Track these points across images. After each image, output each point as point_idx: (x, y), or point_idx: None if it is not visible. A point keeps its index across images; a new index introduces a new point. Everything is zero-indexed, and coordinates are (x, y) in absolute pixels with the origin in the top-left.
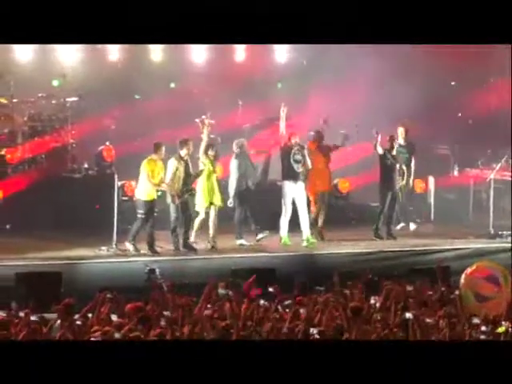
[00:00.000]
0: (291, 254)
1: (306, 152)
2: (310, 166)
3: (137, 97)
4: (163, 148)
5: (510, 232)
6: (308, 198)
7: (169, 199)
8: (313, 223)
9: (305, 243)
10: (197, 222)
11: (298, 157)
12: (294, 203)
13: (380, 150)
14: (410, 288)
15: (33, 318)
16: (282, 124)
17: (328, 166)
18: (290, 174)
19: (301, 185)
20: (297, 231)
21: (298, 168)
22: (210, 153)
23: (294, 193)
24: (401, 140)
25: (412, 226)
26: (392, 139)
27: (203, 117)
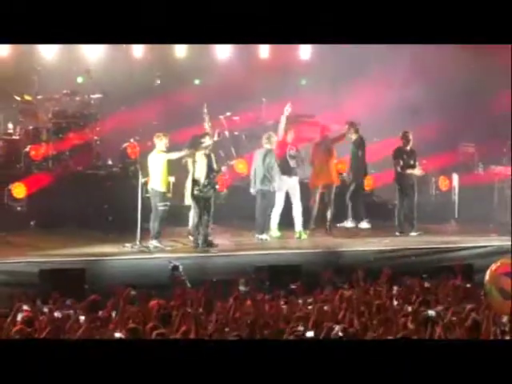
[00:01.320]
0: (315, 250)
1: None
2: (305, 162)
3: (161, 93)
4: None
5: None
6: (310, 193)
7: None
8: (321, 218)
9: (297, 236)
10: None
11: (293, 152)
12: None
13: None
14: (431, 285)
15: (56, 314)
16: (283, 120)
17: (332, 159)
18: (285, 169)
19: (295, 179)
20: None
21: (294, 164)
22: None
23: (288, 187)
24: (352, 135)
25: (364, 225)
26: (405, 137)
27: (227, 114)
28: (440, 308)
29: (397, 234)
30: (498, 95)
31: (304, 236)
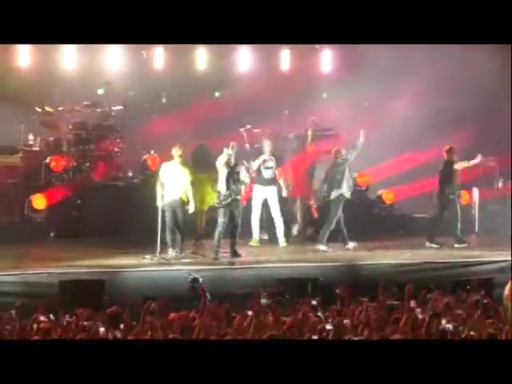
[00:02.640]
0: (335, 264)
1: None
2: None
3: (182, 105)
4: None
5: None
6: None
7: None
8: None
9: (251, 242)
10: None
11: (269, 163)
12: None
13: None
14: (450, 299)
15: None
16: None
17: (306, 172)
18: (259, 179)
19: (272, 189)
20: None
21: (268, 174)
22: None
23: (265, 197)
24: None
25: (351, 245)
26: (450, 151)
27: (248, 126)
28: (457, 322)
29: (433, 246)
30: None
31: (284, 245)
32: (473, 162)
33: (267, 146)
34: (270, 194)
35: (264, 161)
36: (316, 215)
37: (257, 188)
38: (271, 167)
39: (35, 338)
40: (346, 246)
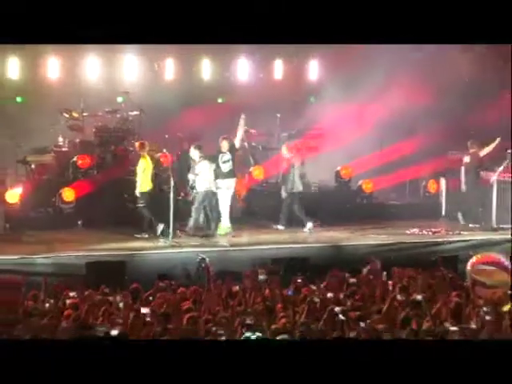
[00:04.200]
0: (322, 245)
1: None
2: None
3: (190, 110)
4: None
5: (510, 225)
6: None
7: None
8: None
9: (220, 230)
10: None
11: (226, 157)
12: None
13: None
14: (421, 274)
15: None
16: (240, 131)
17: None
18: (218, 173)
19: (228, 181)
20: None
21: (225, 168)
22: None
23: (226, 187)
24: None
25: (308, 225)
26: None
27: (246, 127)
28: (425, 294)
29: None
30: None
31: (226, 231)
32: (492, 145)
33: (225, 145)
34: (226, 185)
35: (221, 156)
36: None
37: (218, 182)
38: (227, 160)
39: (66, 312)
40: (304, 229)
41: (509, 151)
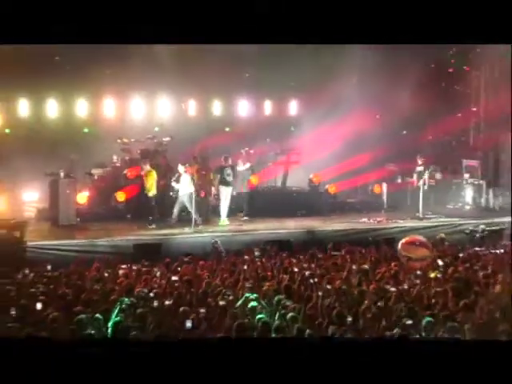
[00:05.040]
0: (301, 230)
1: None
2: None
3: (205, 137)
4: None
5: (431, 215)
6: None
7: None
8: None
9: (220, 223)
10: None
11: (228, 171)
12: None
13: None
14: (366, 251)
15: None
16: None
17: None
18: (223, 182)
19: (228, 189)
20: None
21: (229, 179)
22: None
23: (226, 193)
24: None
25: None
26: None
27: (246, 149)
28: (372, 264)
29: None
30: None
31: (226, 224)
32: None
33: (228, 162)
34: (228, 191)
35: (225, 170)
36: None
37: (222, 188)
38: (229, 174)
39: (119, 279)
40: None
41: (421, 161)
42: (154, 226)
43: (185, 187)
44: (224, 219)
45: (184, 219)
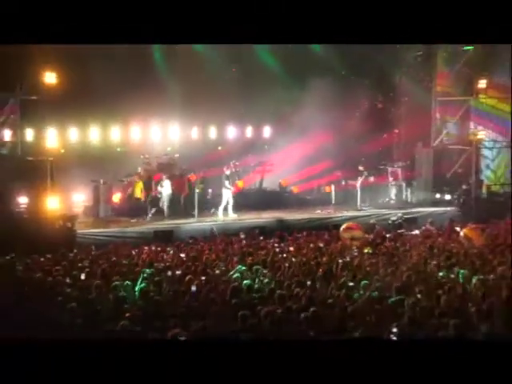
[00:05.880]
0: (273, 219)
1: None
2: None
3: (204, 156)
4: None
5: (366, 208)
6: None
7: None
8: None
9: (228, 217)
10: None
11: (226, 178)
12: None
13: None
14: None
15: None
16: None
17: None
18: (224, 186)
19: (227, 191)
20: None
21: (228, 184)
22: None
23: (227, 195)
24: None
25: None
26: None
27: (233, 161)
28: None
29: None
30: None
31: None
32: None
33: (228, 173)
34: (229, 194)
35: (225, 177)
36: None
37: (224, 191)
38: (228, 180)
39: (143, 256)
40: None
41: (361, 168)
42: (149, 217)
43: (167, 189)
44: (221, 214)
45: (181, 213)
